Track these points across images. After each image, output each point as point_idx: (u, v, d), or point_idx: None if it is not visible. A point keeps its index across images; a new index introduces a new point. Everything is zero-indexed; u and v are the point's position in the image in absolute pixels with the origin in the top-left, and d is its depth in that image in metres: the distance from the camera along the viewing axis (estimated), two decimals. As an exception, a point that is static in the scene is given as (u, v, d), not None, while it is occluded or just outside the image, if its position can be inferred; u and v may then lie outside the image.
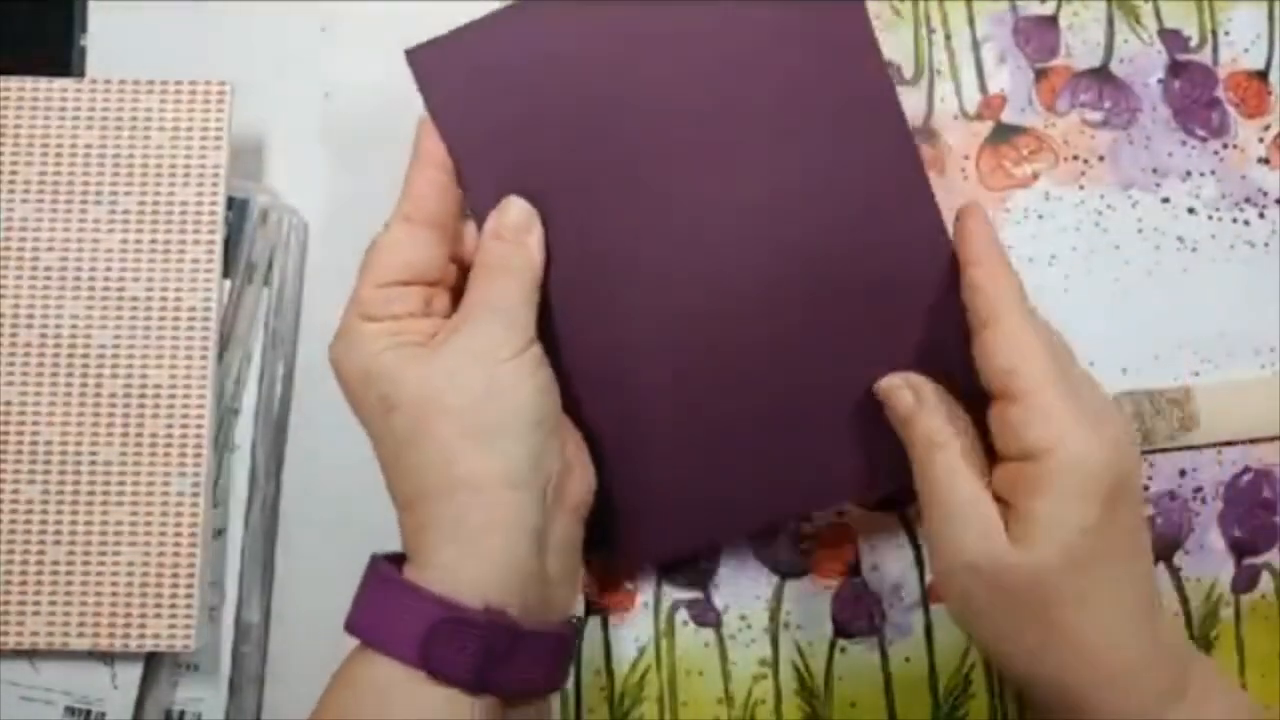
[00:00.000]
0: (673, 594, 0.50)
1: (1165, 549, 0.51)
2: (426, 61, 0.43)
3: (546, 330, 0.43)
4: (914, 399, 0.42)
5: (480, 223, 0.43)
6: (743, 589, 0.50)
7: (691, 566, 0.50)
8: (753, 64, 0.43)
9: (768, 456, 0.45)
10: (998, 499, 0.40)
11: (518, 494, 0.39)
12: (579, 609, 0.48)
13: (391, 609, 0.39)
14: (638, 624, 0.50)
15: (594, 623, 0.50)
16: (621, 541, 0.46)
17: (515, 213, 0.43)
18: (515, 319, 0.41)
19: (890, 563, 0.50)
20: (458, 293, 0.43)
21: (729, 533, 0.48)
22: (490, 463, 0.39)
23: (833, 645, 0.50)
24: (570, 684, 0.50)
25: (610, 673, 0.50)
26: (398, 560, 0.40)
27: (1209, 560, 0.51)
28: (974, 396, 0.41)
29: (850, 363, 0.44)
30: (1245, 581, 0.50)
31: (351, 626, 0.39)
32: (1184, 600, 0.50)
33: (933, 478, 0.40)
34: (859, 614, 0.50)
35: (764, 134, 0.43)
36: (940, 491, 0.40)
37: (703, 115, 0.43)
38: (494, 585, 0.38)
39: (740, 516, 0.46)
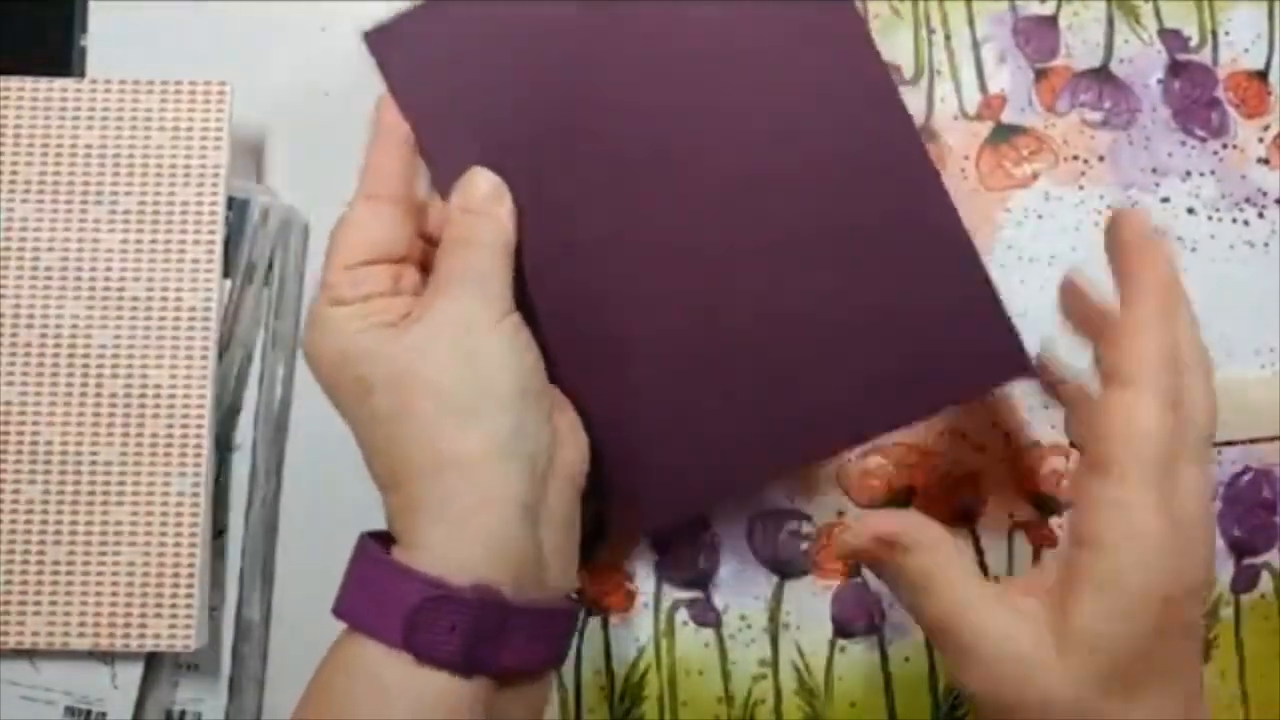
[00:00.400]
0: (673, 594, 0.50)
1: (1165, 549, 0.51)
2: (383, 41, 0.43)
3: (525, 303, 0.42)
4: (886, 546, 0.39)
5: (447, 198, 0.42)
6: (743, 589, 0.50)
7: (691, 566, 0.50)
8: (726, 31, 0.43)
9: (763, 409, 0.44)
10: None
11: (505, 467, 0.39)
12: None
13: (376, 589, 0.38)
14: (638, 624, 0.50)
15: (594, 623, 0.50)
16: (621, 512, 0.45)
17: (482, 183, 0.42)
18: (490, 289, 0.41)
19: (890, 563, 0.50)
20: (426, 269, 0.42)
21: (733, 492, 0.47)
22: (475, 437, 0.38)
23: (833, 645, 0.50)
24: (570, 684, 0.50)
25: (610, 673, 0.50)
26: (387, 539, 0.40)
27: (1209, 560, 0.51)
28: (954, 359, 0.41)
29: (839, 304, 0.43)
30: (1245, 581, 0.50)
31: (337, 608, 0.39)
32: (1184, 600, 0.50)
33: (941, 616, 0.38)
34: (859, 614, 0.50)
35: (736, 91, 0.43)
36: (954, 628, 0.37)
37: (675, 81, 0.43)
38: (484, 562, 0.38)
39: (741, 476, 0.44)
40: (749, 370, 0.44)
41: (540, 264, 0.43)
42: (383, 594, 0.38)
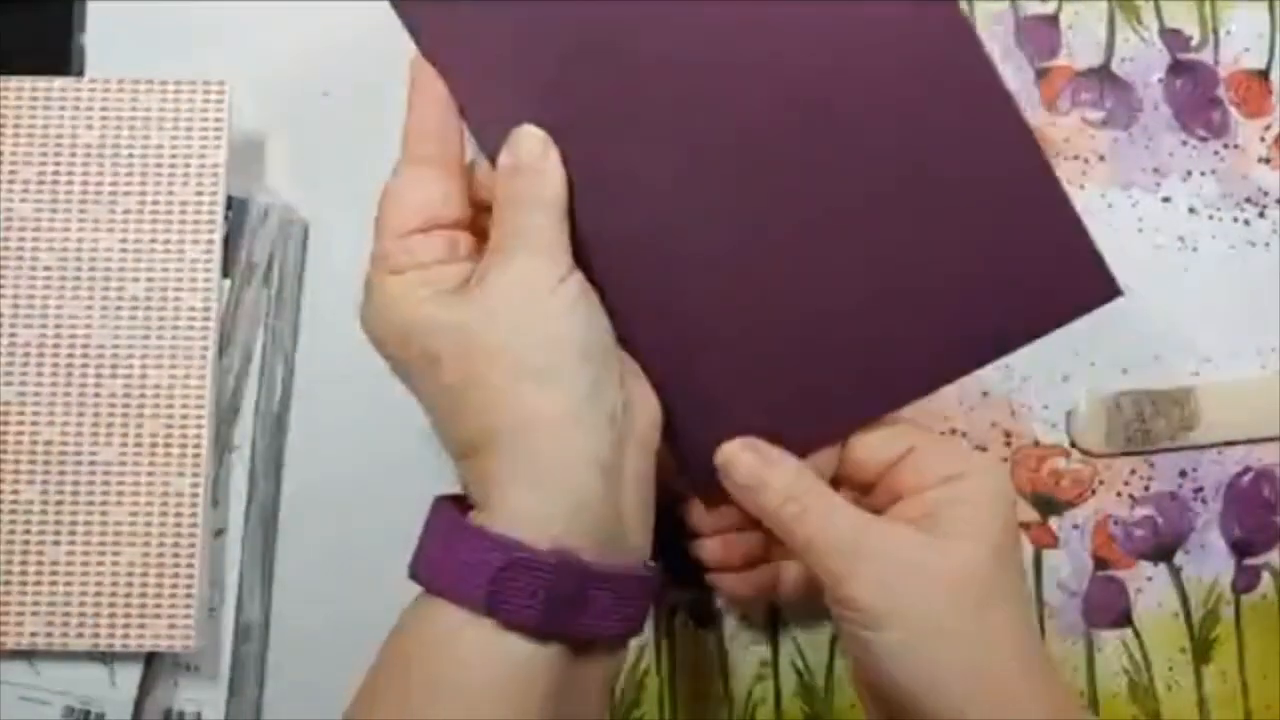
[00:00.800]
0: (673, 594, 0.50)
1: (1165, 549, 0.51)
2: (413, 5, 0.41)
3: (581, 266, 0.40)
4: (760, 459, 0.41)
5: (494, 160, 0.41)
6: (743, 589, 0.50)
7: (692, 566, 0.50)
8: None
9: (846, 359, 0.41)
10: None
11: (581, 430, 0.38)
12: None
13: (457, 553, 0.37)
14: (638, 624, 0.50)
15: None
16: (698, 480, 0.43)
17: (528, 141, 0.40)
18: (548, 248, 0.39)
19: (890, 563, 0.50)
20: (479, 235, 0.41)
21: (822, 445, 0.43)
22: (551, 399, 0.38)
23: (833, 645, 0.50)
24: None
25: (610, 673, 0.50)
26: (460, 503, 0.39)
27: (1209, 560, 0.51)
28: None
29: (919, 244, 0.40)
30: (1246, 582, 0.50)
31: (416, 573, 0.38)
32: (1184, 600, 0.50)
33: (815, 525, 0.39)
34: (859, 614, 0.50)
35: (800, 36, 0.40)
36: (833, 533, 0.39)
37: (734, 28, 0.40)
38: (563, 525, 0.37)
39: (829, 429, 0.42)
40: (827, 321, 0.41)
41: (594, 223, 0.41)
42: (464, 558, 0.37)
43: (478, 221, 0.41)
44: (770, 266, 0.41)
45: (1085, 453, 0.51)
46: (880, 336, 0.41)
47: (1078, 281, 0.40)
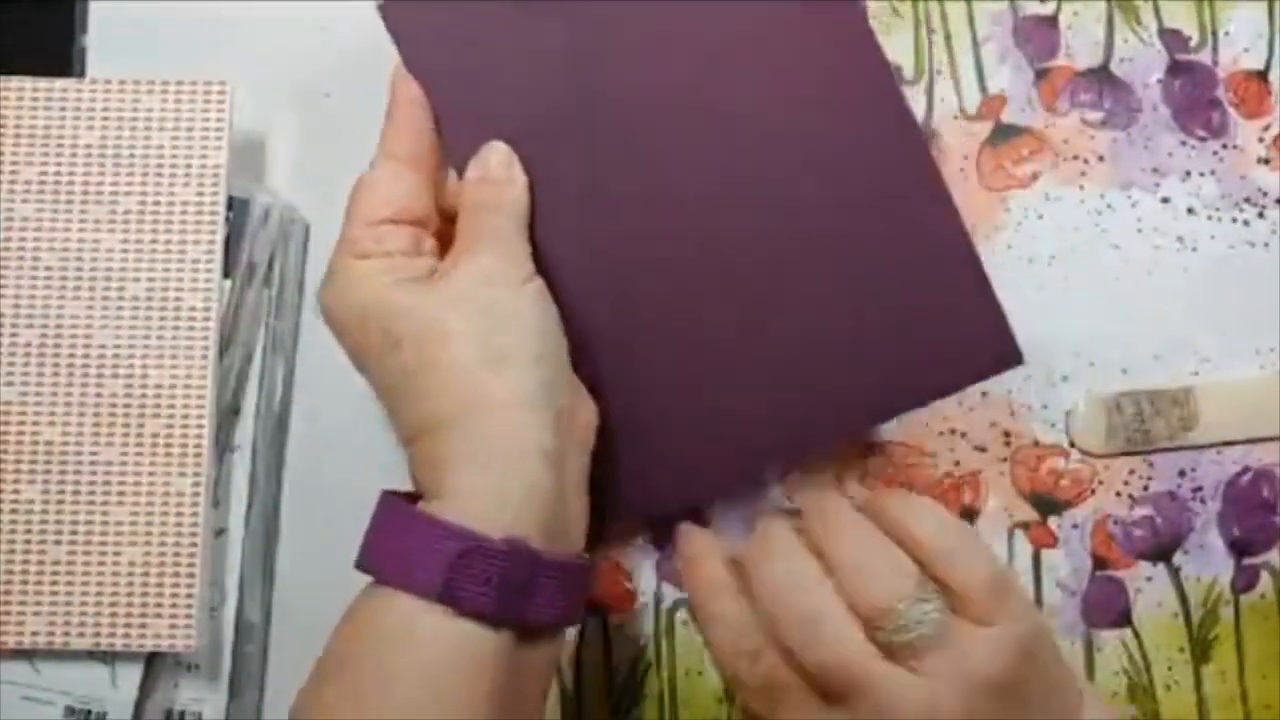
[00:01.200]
0: (673, 594, 0.50)
1: (1164, 549, 0.51)
2: (398, 14, 0.43)
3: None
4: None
5: (461, 172, 0.43)
6: (743, 589, 0.50)
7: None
8: (735, 28, 0.44)
9: (767, 399, 0.44)
10: None
11: (533, 417, 0.39)
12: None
13: (410, 543, 0.38)
14: (638, 624, 0.50)
15: (594, 623, 0.50)
16: (626, 495, 0.45)
17: (496, 155, 0.43)
18: (512, 251, 0.42)
19: (890, 563, 0.50)
20: (443, 242, 0.43)
21: (737, 479, 0.47)
22: (505, 386, 0.39)
23: (833, 645, 0.50)
24: (570, 684, 0.50)
25: (610, 673, 0.50)
26: (408, 497, 0.40)
27: (1209, 560, 0.51)
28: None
29: (840, 296, 0.44)
30: (1245, 581, 0.51)
31: (366, 564, 0.39)
32: (1183, 600, 0.50)
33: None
34: (859, 614, 0.50)
35: (743, 86, 0.44)
36: None
37: (683, 73, 0.44)
38: (514, 513, 0.38)
39: (745, 464, 0.46)
40: (751, 360, 0.44)
41: (548, 243, 0.43)
42: (417, 548, 0.38)
43: (444, 230, 0.43)
44: (706, 307, 0.44)
45: (1084, 453, 0.51)
46: (801, 382, 0.44)
47: (985, 346, 0.44)
